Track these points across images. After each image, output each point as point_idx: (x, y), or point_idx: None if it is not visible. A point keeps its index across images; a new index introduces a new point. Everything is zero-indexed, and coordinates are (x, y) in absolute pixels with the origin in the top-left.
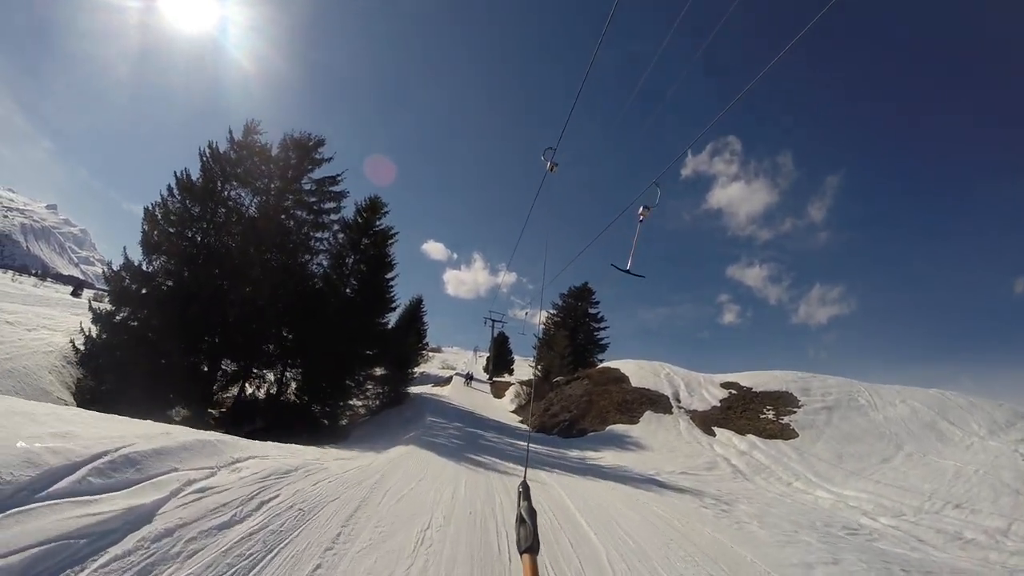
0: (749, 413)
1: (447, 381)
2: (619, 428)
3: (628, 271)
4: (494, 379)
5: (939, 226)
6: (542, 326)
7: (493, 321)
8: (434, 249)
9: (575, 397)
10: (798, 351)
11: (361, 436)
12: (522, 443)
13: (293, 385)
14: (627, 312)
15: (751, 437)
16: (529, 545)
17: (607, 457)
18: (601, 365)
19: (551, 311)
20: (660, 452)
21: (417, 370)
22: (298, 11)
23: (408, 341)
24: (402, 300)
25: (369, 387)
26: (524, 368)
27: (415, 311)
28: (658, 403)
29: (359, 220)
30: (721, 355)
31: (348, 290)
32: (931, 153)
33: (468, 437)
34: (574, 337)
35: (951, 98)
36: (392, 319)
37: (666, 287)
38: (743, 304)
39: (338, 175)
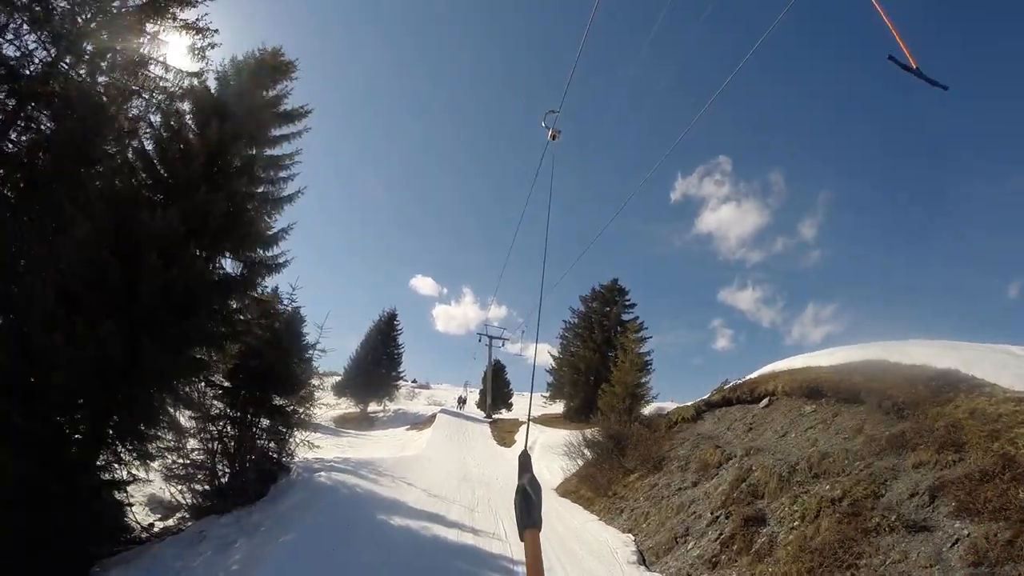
0: None
1: (429, 421)
2: None
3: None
4: (494, 416)
5: (928, 234)
6: (560, 339)
7: (491, 338)
8: (423, 284)
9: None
10: None
11: None
12: None
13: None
14: None
15: None
16: (532, 521)
17: None
18: (802, 360)
19: (570, 319)
20: None
21: (391, 407)
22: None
23: (297, 346)
24: (369, 317)
25: (170, 441)
26: (535, 402)
27: (387, 329)
28: None
29: (231, 84)
30: (715, 380)
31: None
32: (921, 160)
33: None
34: (603, 352)
35: (942, 101)
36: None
37: (657, 314)
38: (736, 328)
39: None
